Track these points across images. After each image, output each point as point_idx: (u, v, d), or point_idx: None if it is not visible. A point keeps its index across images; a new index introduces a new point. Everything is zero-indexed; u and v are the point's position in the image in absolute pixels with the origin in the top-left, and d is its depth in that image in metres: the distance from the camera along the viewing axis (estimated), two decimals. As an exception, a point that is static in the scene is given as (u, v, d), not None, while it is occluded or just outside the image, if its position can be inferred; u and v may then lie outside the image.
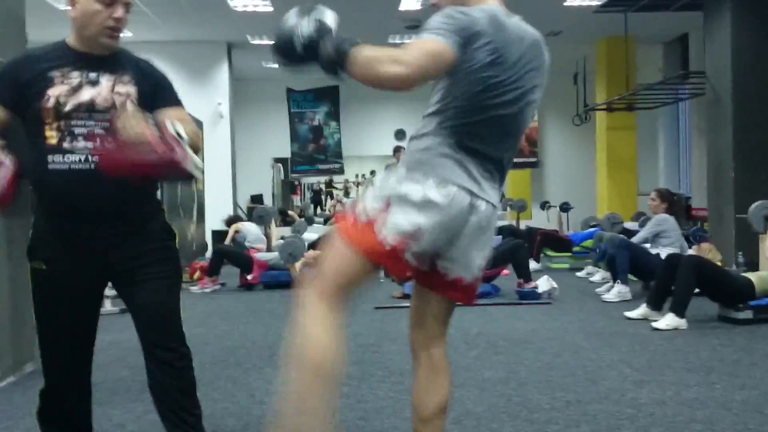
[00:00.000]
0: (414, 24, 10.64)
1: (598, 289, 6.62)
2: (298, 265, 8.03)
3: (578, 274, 8.04)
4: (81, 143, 2.07)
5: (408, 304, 2.26)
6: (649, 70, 12.31)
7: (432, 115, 1.90)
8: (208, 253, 11.21)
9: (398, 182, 1.85)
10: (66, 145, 2.06)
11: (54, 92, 2.06)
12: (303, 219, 12.69)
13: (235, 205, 12.70)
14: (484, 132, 1.88)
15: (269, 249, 8.43)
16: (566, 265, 8.85)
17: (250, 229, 8.99)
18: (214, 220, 11.41)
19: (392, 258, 1.83)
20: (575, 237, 8.99)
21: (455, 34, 1.77)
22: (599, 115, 12.42)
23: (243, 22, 10.60)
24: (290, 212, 13.76)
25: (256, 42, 11.98)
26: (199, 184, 10.52)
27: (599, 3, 9.87)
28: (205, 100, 12.01)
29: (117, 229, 2.15)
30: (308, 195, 19.29)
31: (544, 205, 11.55)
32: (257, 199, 14.66)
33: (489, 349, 4.37)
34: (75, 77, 2.09)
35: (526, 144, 15.08)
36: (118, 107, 2.09)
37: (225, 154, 12.34)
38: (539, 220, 12.94)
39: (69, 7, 2.11)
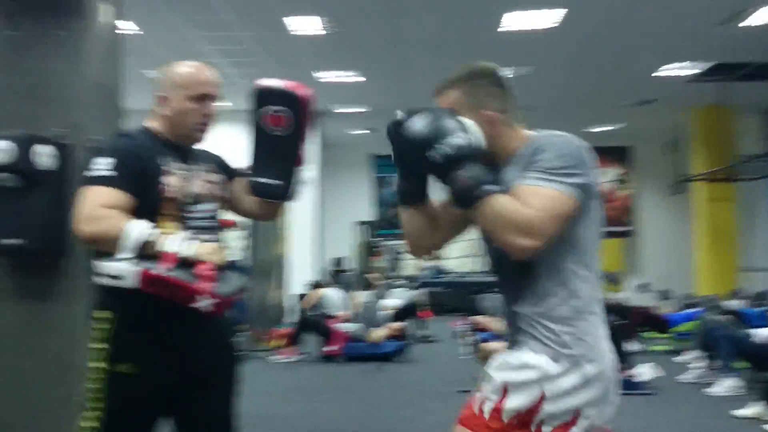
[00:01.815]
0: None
1: (689, 376, 6.16)
2: (378, 333, 7.84)
3: (678, 359, 7.49)
4: (202, 237, 1.99)
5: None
6: (748, 139, 11.73)
7: (554, 275, 1.70)
8: (288, 319, 11.22)
9: (542, 364, 1.67)
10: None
11: (169, 180, 1.99)
12: (385, 282, 12.53)
13: (321, 269, 12.70)
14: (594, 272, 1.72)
15: (352, 317, 8.27)
16: (665, 347, 8.29)
17: (332, 296, 8.86)
18: (297, 284, 11.42)
19: None
20: (674, 318, 8.43)
21: (581, 179, 1.63)
22: (697, 186, 11.87)
23: (331, 91, 10.76)
24: (370, 275, 13.65)
25: (343, 110, 12.16)
26: (281, 248, 10.56)
27: (692, 72, 9.52)
28: (293, 165, 12.17)
29: (203, 326, 2.01)
30: (389, 257, 19.22)
31: (644, 287, 11.01)
32: (338, 262, 14.66)
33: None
34: (178, 168, 2.04)
35: (618, 212, 14.63)
36: (217, 197, 2.14)
37: (312, 219, 12.41)
38: (633, 295, 12.32)
39: (160, 106, 2.08)
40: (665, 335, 8.36)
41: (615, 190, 14.68)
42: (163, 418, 2.05)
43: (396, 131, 1.65)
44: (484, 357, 6.42)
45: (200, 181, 2.10)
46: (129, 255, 1.79)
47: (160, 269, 1.77)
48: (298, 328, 7.87)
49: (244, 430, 4.62)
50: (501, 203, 1.58)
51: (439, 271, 15.75)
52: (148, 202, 1.95)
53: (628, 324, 8.29)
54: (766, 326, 6.52)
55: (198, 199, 2.07)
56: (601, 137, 14.13)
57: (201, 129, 2.09)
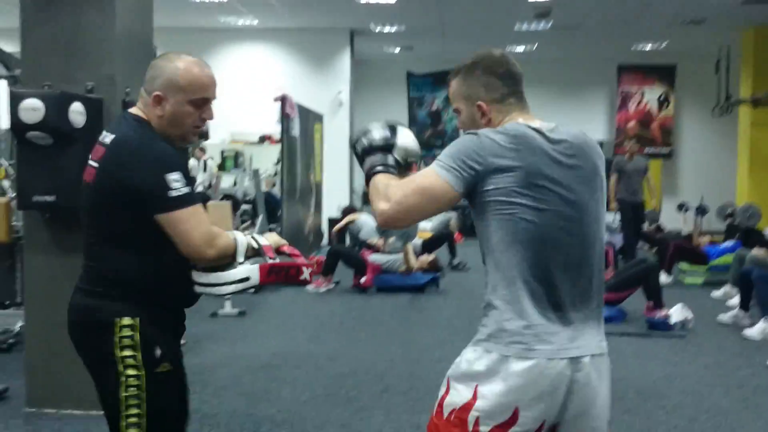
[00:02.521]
0: (544, 11, 10.11)
1: (726, 316, 6.14)
2: (411, 261, 7.87)
3: (714, 294, 7.43)
4: None
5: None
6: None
7: (488, 264, 1.73)
8: (324, 241, 11.33)
9: (474, 358, 1.67)
10: None
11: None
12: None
13: (352, 192, 12.71)
14: (545, 264, 1.65)
15: (385, 247, 8.28)
16: (700, 280, 8.21)
17: (366, 222, 8.85)
18: (331, 209, 11.47)
19: None
20: (712, 251, 8.31)
21: (463, 166, 1.65)
22: (743, 109, 11.45)
23: (367, 11, 10.45)
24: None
25: (379, 30, 11.83)
26: (318, 174, 10.55)
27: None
28: (325, 87, 12.01)
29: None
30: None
31: (681, 207, 10.80)
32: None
33: (618, 402, 3.96)
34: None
35: (659, 133, 14.25)
36: None
37: (343, 142, 12.31)
38: (670, 216, 12.12)
39: (156, 105, 1.94)
40: (704, 268, 8.27)
41: (657, 110, 14.25)
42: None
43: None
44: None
45: None
46: (243, 259, 1.97)
47: (269, 260, 2.01)
48: (330, 258, 7.93)
49: (281, 369, 4.77)
50: (380, 179, 1.79)
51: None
52: None
53: (664, 256, 8.23)
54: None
55: None
56: (646, 55, 13.61)
57: (196, 132, 2.03)
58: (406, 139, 1.91)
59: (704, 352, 5.25)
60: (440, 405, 1.69)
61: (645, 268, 6.32)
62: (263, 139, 11.88)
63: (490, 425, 1.61)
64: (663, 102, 14.18)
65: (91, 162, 1.97)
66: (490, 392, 1.62)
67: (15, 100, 3.52)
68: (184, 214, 1.85)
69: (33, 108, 3.50)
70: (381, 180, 1.79)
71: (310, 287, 7.77)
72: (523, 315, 1.63)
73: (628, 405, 4.01)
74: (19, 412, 3.83)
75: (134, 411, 1.89)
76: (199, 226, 1.87)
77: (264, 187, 10.11)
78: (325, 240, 11.38)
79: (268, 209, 9.14)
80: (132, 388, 1.89)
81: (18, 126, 3.56)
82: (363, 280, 7.72)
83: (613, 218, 12.15)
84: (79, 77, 3.71)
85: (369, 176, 1.83)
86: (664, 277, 7.70)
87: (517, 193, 1.63)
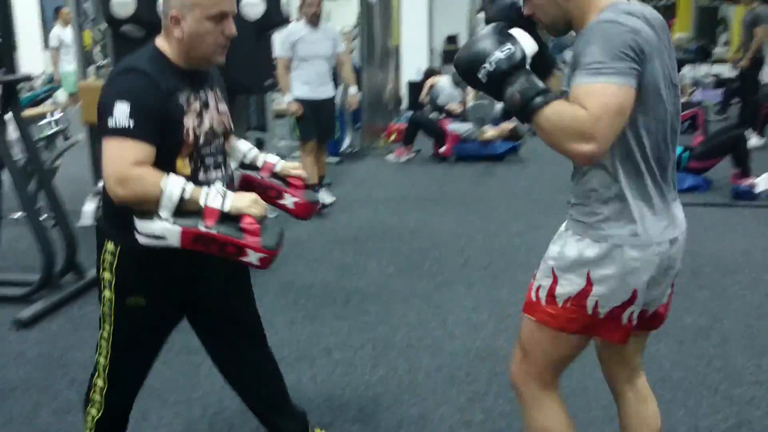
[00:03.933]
0: None
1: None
2: (489, 133, 7.88)
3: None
4: (213, 174, 1.96)
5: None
6: None
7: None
8: (404, 106, 11.35)
9: (583, 247, 1.70)
10: (201, 176, 1.91)
11: (188, 123, 1.87)
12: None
13: (431, 53, 12.48)
14: (663, 150, 1.69)
15: (464, 112, 8.27)
16: (793, 143, 7.93)
17: (444, 87, 8.80)
18: (410, 72, 11.37)
19: (609, 325, 1.74)
20: (807, 111, 7.93)
21: (634, 64, 1.53)
22: None
23: None
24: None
25: None
26: (395, 38, 10.39)
27: None
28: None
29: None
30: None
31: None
32: (452, 39, 14.30)
33: (692, 278, 4.12)
34: (194, 101, 1.89)
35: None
36: (226, 129, 2.03)
37: (421, 1, 11.93)
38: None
39: (173, 28, 1.85)
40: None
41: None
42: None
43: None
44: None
45: (214, 114, 1.96)
46: (169, 214, 1.74)
47: (203, 226, 1.73)
48: (410, 128, 8.01)
49: (367, 242, 5.01)
50: (554, 111, 1.54)
51: (561, 49, 15.05)
52: (168, 146, 1.83)
53: (756, 117, 7.93)
54: None
55: (214, 135, 1.96)
56: None
57: (222, 51, 1.90)
58: (528, 42, 1.63)
59: (788, 224, 5.19)
60: (551, 295, 1.73)
61: (734, 136, 6.15)
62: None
63: (608, 307, 1.70)
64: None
65: None
66: (606, 277, 1.67)
67: (104, -5, 3.67)
68: (110, 144, 1.75)
69: (123, 3, 3.63)
70: (553, 114, 1.54)
71: (390, 156, 7.95)
72: (645, 202, 1.67)
73: (704, 281, 4.10)
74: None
75: (106, 327, 2.00)
76: (118, 162, 1.73)
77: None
78: (404, 105, 11.40)
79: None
80: (105, 307, 1.98)
81: (112, 21, 3.72)
82: (442, 149, 7.82)
83: (704, 73, 11.60)
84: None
85: (528, 111, 1.56)
86: (755, 140, 7.48)
87: (659, 83, 1.60)
